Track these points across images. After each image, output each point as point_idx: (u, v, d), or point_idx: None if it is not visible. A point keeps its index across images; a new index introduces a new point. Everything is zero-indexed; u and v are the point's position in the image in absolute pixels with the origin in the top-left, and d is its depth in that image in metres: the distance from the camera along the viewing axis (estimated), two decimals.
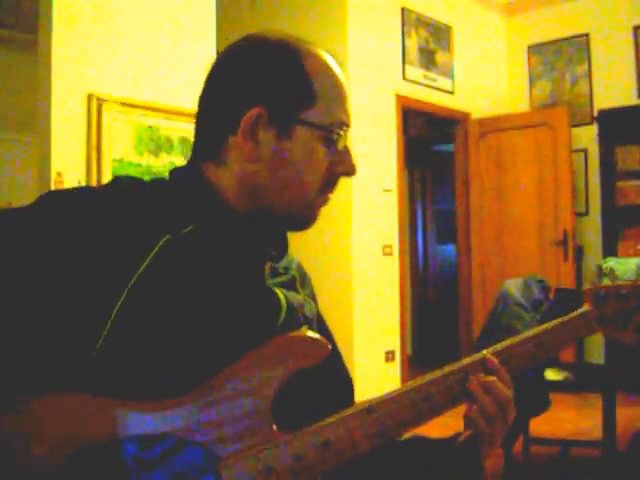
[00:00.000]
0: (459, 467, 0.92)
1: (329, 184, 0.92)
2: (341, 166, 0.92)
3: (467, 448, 0.90)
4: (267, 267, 0.92)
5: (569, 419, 4.22)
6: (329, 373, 0.94)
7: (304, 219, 0.93)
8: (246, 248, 0.89)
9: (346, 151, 0.92)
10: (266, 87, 0.88)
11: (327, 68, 0.91)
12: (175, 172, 0.93)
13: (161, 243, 0.80)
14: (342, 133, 0.91)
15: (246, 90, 0.88)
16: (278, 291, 0.91)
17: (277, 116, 0.87)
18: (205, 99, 0.92)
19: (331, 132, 0.89)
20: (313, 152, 0.89)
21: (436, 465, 0.93)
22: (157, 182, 0.92)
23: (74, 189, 0.88)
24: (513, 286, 3.09)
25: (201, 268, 0.83)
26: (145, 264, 0.79)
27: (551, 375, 3.16)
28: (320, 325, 1.01)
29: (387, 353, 4.88)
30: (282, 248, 0.95)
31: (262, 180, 0.88)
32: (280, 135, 0.87)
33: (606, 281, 0.98)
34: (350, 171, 0.93)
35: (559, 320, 0.94)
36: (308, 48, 0.91)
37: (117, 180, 0.91)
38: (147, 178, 0.93)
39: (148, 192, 0.87)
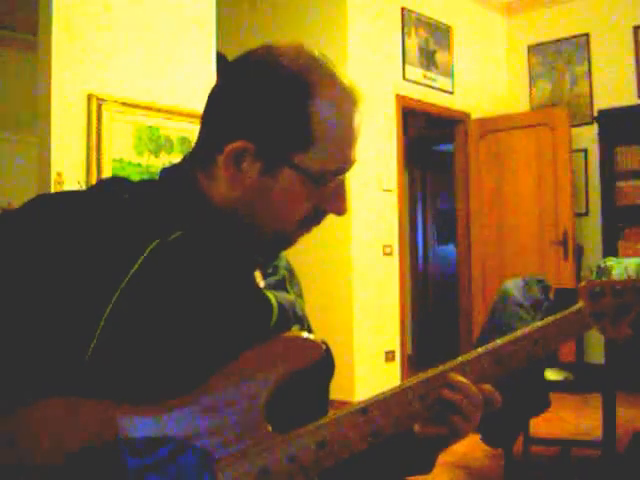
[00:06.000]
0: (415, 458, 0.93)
1: (313, 220, 0.89)
2: (328, 206, 0.88)
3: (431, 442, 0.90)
4: (257, 271, 0.91)
5: (569, 419, 4.22)
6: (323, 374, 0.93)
7: (278, 247, 0.93)
8: (234, 254, 0.88)
9: (338, 192, 0.88)
10: (259, 123, 0.83)
11: (338, 108, 0.83)
12: (166, 174, 0.91)
13: (150, 248, 0.80)
14: (335, 179, 0.86)
15: (238, 120, 0.85)
16: (269, 293, 0.90)
17: (265, 153, 0.83)
18: (208, 107, 0.89)
19: (321, 180, 0.85)
20: (296, 194, 0.85)
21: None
22: (146, 184, 0.90)
23: (62, 192, 0.87)
24: (513, 286, 3.09)
25: (191, 272, 0.82)
26: (134, 269, 0.78)
27: (551, 375, 3.15)
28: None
29: (387, 353, 4.88)
30: (269, 257, 0.95)
31: (240, 205, 0.86)
32: (265, 171, 0.84)
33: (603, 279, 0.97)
34: (338, 212, 0.89)
35: (553, 317, 0.94)
36: (324, 80, 0.83)
37: (103, 182, 0.89)
38: (144, 178, 0.92)
39: (136, 195, 0.85)
